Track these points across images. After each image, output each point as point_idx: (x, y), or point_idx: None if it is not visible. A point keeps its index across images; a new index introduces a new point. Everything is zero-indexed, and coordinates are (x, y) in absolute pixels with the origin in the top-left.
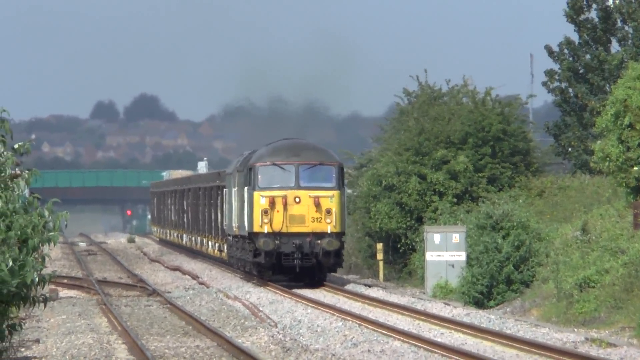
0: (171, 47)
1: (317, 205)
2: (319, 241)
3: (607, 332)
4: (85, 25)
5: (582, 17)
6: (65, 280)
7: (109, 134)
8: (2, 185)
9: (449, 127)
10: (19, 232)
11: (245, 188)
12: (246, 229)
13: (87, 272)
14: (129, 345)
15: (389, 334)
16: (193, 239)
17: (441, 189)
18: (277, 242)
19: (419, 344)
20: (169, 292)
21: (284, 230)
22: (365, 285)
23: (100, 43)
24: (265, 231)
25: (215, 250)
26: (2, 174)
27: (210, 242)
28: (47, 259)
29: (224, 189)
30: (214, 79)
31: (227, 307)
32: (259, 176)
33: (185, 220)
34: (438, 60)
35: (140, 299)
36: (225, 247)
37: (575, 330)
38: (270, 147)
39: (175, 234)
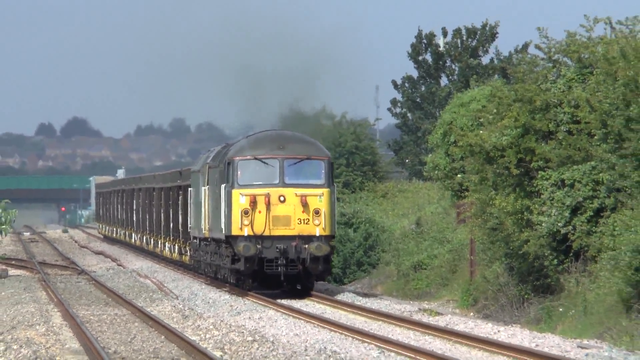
0: (98, 75)
1: (305, 204)
2: (306, 245)
3: (435, 303)
4: (30, 58)
5: (420, 57)
6: (13, 262)
7: (48, 147)
8: None
9: None
10: None
11: (222, 186)
12: (223, 231)
13: (30, 256)
14: (63, 312)
15: (266, 305)
16: (145, 239)
17: None
18: (258, 246)
19: (289, 313)
20: (94, 272)
21: (267, 233)
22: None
23: (43, 74)
24: (246, 234)
25: (174, 253)
26: None
27: (167, 244)
28: None
29: (189, 189)
30: (129, 101)
31: (139, 283)
32: (239, 172)
33: (135, 219)
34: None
35: (72, 276)
36: (189, 250)
37: (411, 302)
38: (252, 139)
39: (122, 232)
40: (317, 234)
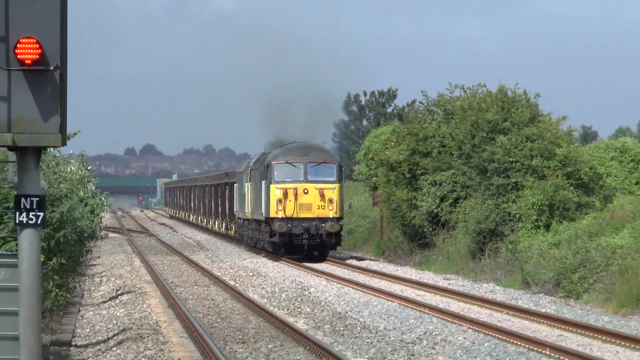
0: (161, 115)
1: (322, 195)
2: (323, 224)
3: (361, 253)
4: (118, 107)
5: (350, 108)
6: (111, 229)
7: (131, 162)
8: (83, 185)
9: None
10: (90, 207)
11: (262, 182)
12: (263, 214)
13: (121, 225)
14: (141, 259)
15: (262, 256)
16: (199, 218)
17: None
18: (289, 225)
19: (273, 259)
20: (159, 235)
21: (295, 215)
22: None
23: (128, 115)
24: (280, 216)
25: (222, 229)
26: (83, 180)
27: (216, 222)
28: (102, 219)
29: (234, 185)
30: (180, 132)
31: (185, 241)
32: (275, 172)
33: (192, 205)
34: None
35: (145, 237)
36: (234, 226)
37: (346, 252)
38: (284, 149)
39: (182, 213)
40: (331, 216)
